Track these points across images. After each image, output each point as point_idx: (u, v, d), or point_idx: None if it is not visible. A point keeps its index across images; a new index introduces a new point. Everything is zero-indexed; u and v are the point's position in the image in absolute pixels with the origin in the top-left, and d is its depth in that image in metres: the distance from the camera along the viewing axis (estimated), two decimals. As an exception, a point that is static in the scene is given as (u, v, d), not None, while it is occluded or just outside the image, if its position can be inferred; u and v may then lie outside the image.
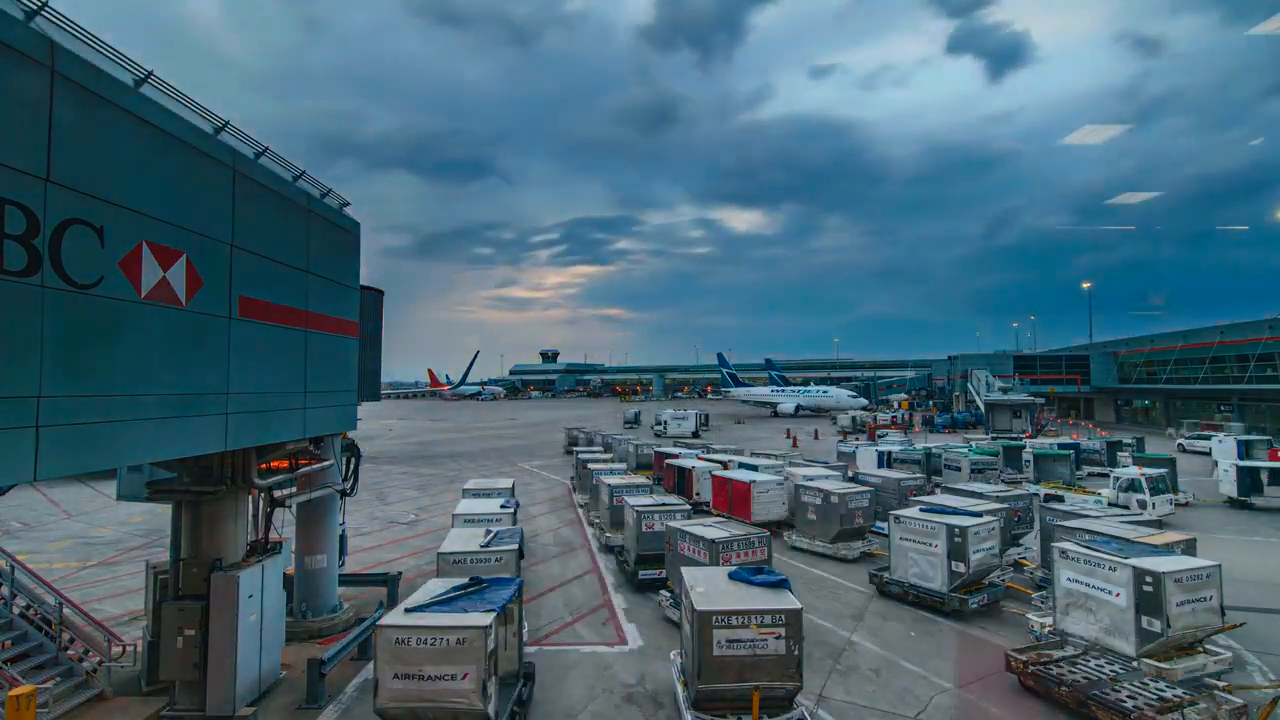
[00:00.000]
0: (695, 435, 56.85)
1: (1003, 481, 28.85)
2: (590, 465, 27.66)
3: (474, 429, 69.79)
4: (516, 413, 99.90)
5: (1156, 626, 10.43)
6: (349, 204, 13.26)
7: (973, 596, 13.95)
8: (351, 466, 15.01)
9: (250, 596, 10.23)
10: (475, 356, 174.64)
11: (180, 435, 8.02)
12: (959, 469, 29.06)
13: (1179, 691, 9.50)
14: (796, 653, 8.56)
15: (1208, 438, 40.94)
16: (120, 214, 6.89)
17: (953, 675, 11.31)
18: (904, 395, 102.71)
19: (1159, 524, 15.38)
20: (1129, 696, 9.40)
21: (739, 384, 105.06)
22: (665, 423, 59.67)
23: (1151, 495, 22.73)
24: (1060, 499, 21.56)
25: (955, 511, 15.22)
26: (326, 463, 13.44)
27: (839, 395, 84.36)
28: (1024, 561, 17.59)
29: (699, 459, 28.57)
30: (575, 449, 37.23)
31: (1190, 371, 57.67)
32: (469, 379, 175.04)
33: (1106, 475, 27.08)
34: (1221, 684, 10.04)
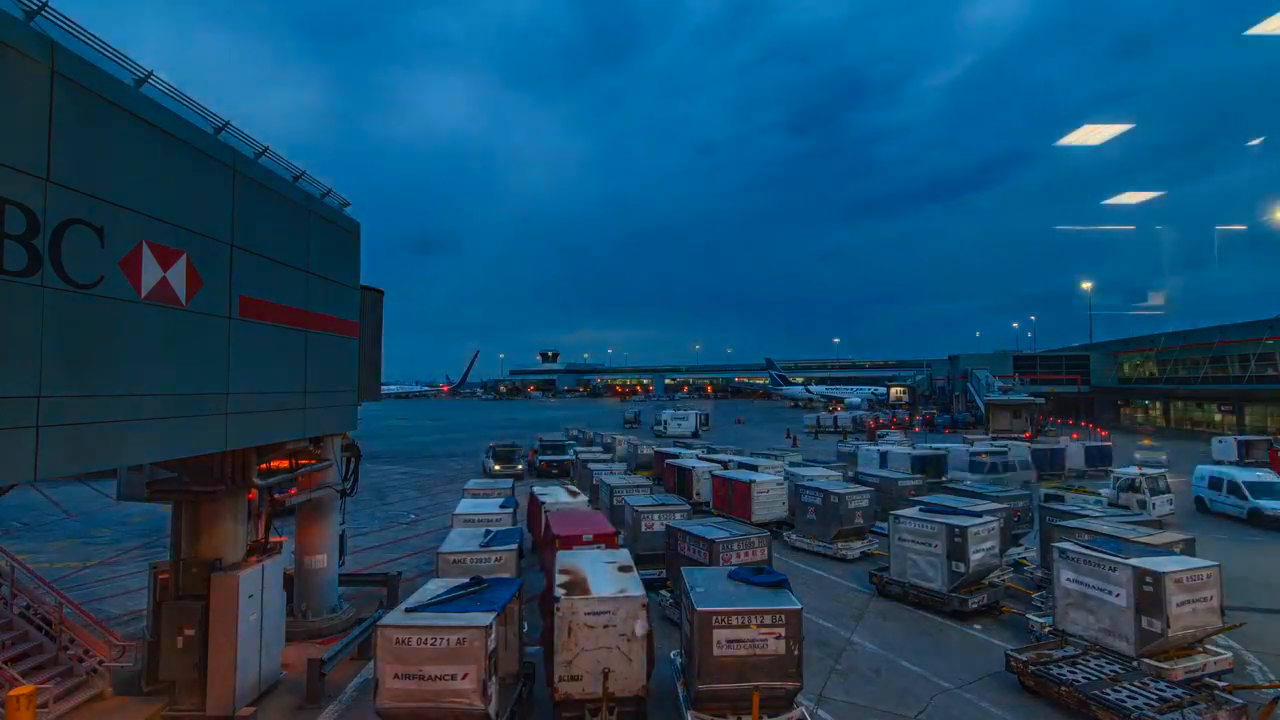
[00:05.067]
0: (695, 435, 56.97)
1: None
2: (590, 465, 27.68)
3: (474, 429, 69.80)
4: (516, 413, 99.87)
5: (1156, 626, 10.43)
6: (349, 204, 13.27)
7: (973, 596, 13.95)
8: (351, 466, 15.02)
9: (250, 596, 10.22)
10: (475, 357, 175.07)
11: (180, 435, 8.03)
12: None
13: (1179, 691, 9.50)
14: (796, 653, 8.56)
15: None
16: (120, 214, 6.90)
17: (953, 675, 11.31)
18: (905, 397, 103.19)
19: (1158, 524, 15.39)
20: (1129, 696, 9.40)
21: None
22: (665, 423, 59.89)
23: (1151, 495, 22.73)
24: (1060, 499, 21.57)
25: (955, 511, 15.22)
26: (326, 463, 13.44)
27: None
28: (1024, 561, 17.59)
29: (699, 459, 28.58)
30: (575, 449, 37.25)
31: (1190, 371, 57.69)
32: (468, 379, 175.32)
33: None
34: (1221, 684, 10.04)
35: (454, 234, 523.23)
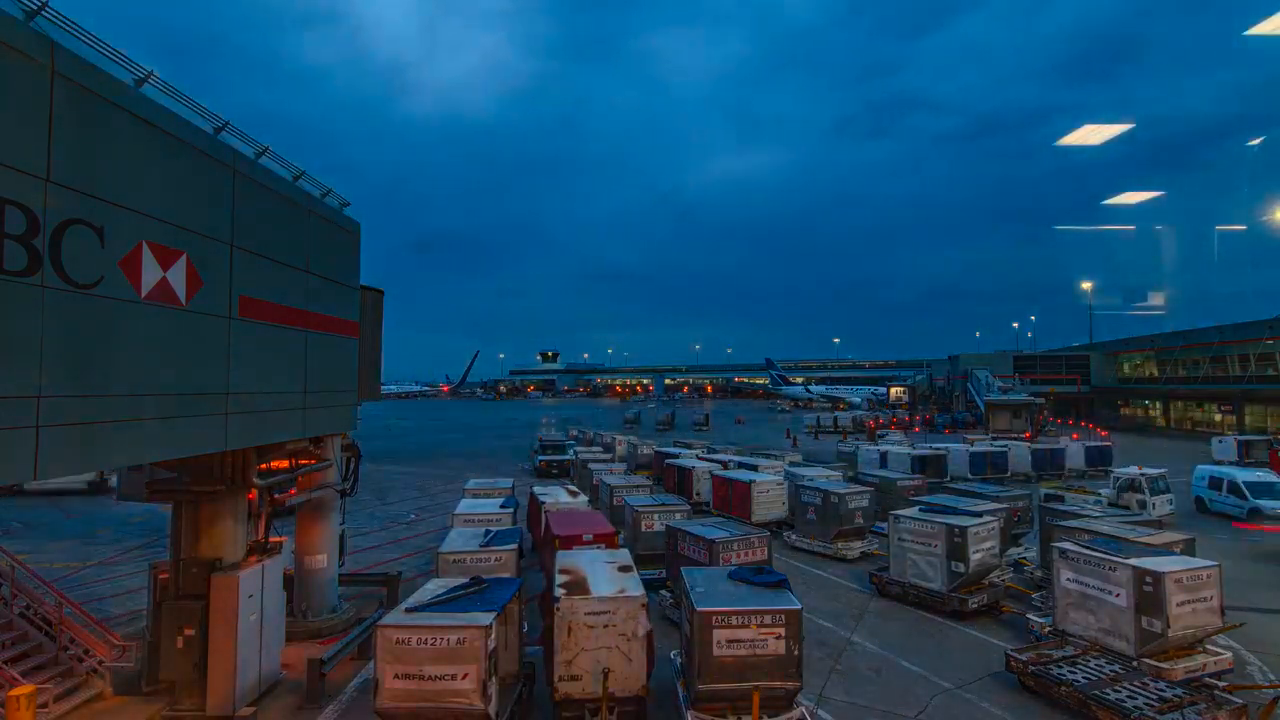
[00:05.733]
0: (699, 427, 57.44)
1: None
2: (590, 465, 27.67)
3: (474, 429, 69.82)
4: (516, 413, 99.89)
5: (1156, 626, 10.43)
6: (349, 204, 13.27)
7: (973, 596, 13.95)
8: (351, 466, 15.01)
9: (250, 596, 10.22)
10: (475, 357, 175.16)
11: (180, 435, 8.03)
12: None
13: (1179, 691, 9.50)
14: (796, 653, 8.56)
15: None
16: (120, 214, 6.89)
17: (953, 675, 11.31)
18: (905, 397, 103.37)
19: (1158, 524, 15.39)
20: (1129, 696, 9.40)
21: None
22: (665, 421, 60.30)
23: (1151, 495, 22.72)
24: (1060, 499, 21.55)
25: (955, 511, 15.22)
26: (326, 463, 13.44)
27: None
28: (1024, 561, 17.59)
29: (699, 459, 28.58)
30: (575, 449, 37.26)
31: (1190, 371, 57.70)
32: (468, 379, 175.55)
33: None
34: (1221, 684, 10.04)
35: (472, 229, 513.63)
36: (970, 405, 68.48)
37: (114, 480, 18.47)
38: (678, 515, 16.00)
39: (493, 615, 8.29)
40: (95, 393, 6.67)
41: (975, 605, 13.94)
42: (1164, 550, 12.12)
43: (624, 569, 10.45)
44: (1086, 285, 79.52)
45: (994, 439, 40.84)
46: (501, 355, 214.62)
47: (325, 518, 13.90)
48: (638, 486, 20.82)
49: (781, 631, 8.54)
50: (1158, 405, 65.59)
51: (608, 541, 13.25)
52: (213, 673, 9.76)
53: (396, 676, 7.83)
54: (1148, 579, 10.58)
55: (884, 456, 30.85)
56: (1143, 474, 23.27)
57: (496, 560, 12.17)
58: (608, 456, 32.17)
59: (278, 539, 11.94)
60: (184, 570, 10.13)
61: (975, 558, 13.90)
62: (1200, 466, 26.75)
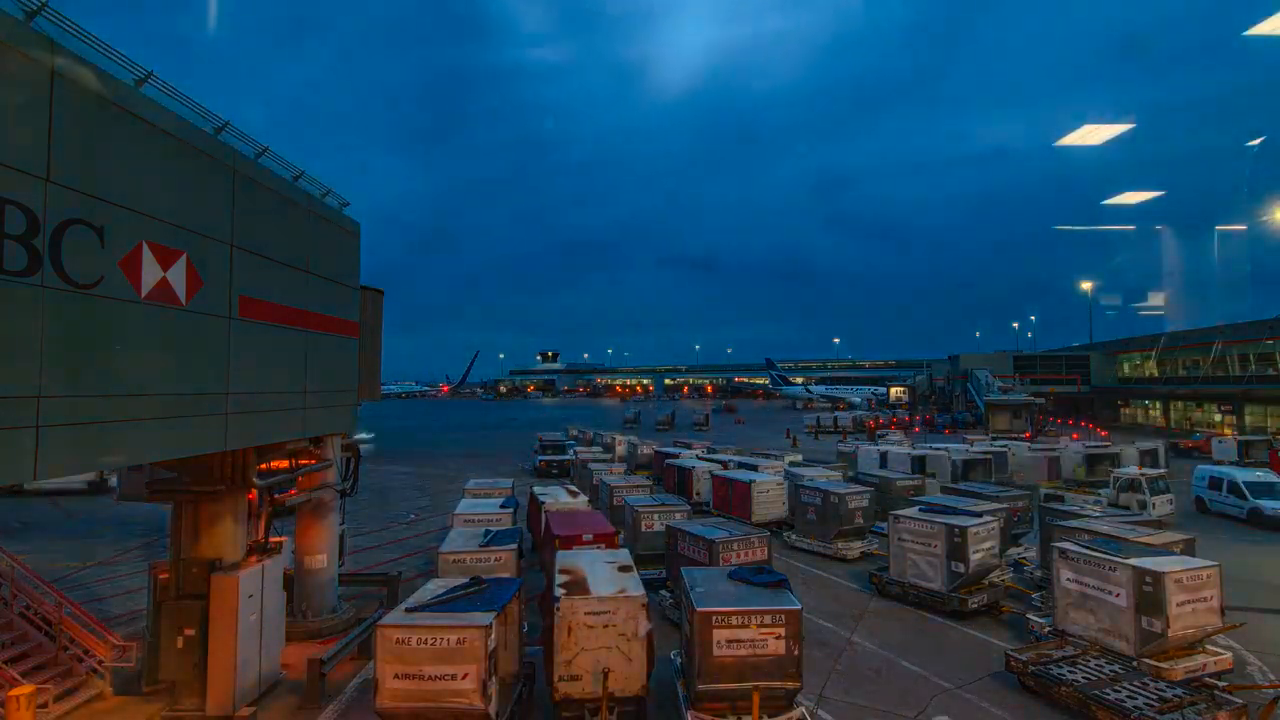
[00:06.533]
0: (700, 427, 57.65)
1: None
2: (590, 465, 27.67)
3: (474, 429, 69.81)
4: (516, 413, 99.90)
5: (1156, 626, 10.43)
6: (349, 204, 13.27)
7: (973, 596, 13.95)
8: (351, 466, 15.02)
9: (250, 596, 10.22)
10: (475, 357, 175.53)
11: (180, 435, 8.03)
12: None
13: (1179, 691, 9.50)
14: (796, 653, 8.56)
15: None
16: (120, 214, 6.90)
17: (953, 675, 11.30)
18: (905, 397, 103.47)
19: (1158, 524, 15.38)
20: (1129, 696, 9.40)
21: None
22: (665, 421, 60.54)
23: (1151, 495, 22.71)
24: (1060, 499, 21.55)
25: (955, 511, 15.22)
26: (326, 463, 13.44)
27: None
28: (1024, 561, 17.59)
29: (699, 459, 28.58)
30: (575, 449, 37.26)
31: (1190, 372, 57.69)
32: (468, 379, 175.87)
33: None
34: (1221, 684, 10.05)
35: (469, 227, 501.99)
36: (970, 405, 68.46)
37: (114, 480, 18.49)
38: (678, 515, 16.01)
39: (493, 615, 8.29)
40: (95, 393, 6.68)
41: (975, 605, 13.93)
42: (1164, 550, 12.12)
43: (624, 569, 10.45)
44: (1086, 285, 79.57)
45: (994, 439, 40.84)
46: (502, 355, 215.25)
47: (325, 518, 13.89)
48: (638, 486, 20.82)
49: (781, 631, 8.54)
50: (1157, 405, 65.54)
51: (608, 541, 13.26)
52: (213, 673, 9.76)
53: (396, 676, 7.83)
54: (1148, 579, 10.58)
55: (884, 456, 30.80)
56: (1143, 474, 23.26)
57: (496, 560, 12.17)
58: (608, 456, 32.16)
59: (278, 539, 11.94)
60: (184, 570, 10.13)
61: (975, 558, 13.90)
62: (1200, 466, 26.79)
